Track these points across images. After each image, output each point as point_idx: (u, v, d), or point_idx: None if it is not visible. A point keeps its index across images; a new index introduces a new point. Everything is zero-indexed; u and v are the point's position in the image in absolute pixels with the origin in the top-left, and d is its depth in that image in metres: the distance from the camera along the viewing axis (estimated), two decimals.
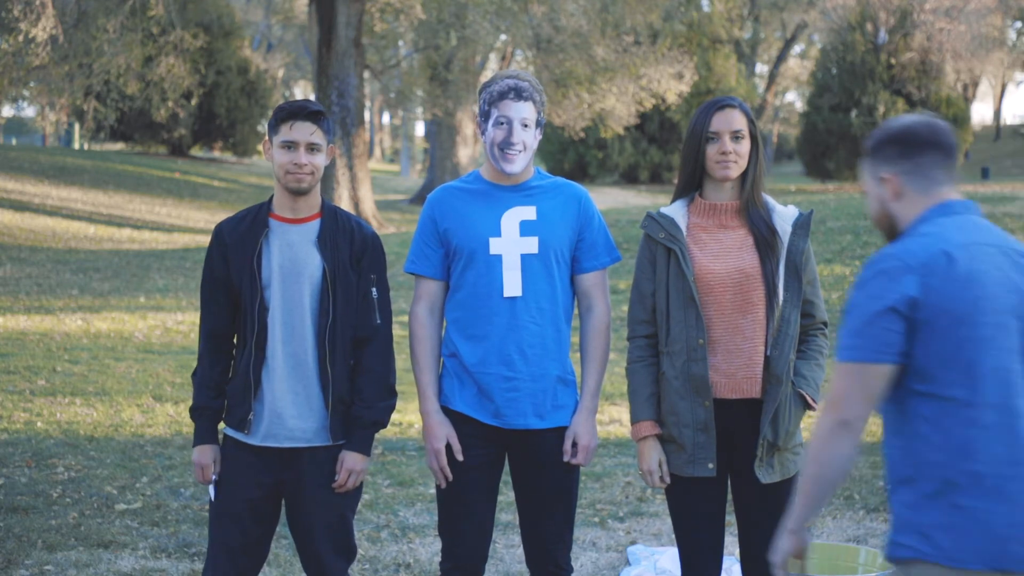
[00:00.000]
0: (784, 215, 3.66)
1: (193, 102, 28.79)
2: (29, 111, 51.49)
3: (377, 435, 3.81)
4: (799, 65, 53.27)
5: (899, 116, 2.80)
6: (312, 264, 3.67)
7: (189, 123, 35.49)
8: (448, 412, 3.75)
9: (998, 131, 59.47)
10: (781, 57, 47.79)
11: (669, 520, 4.73)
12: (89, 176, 29.29)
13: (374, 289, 3.73)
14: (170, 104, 22.80)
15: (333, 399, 3.67)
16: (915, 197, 2.66)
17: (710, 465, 3.57)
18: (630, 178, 38.03)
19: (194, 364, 3.81)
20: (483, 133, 3.75)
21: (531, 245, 3.71)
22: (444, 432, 3.71)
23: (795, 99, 61.48)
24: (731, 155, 3.59)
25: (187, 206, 27.36)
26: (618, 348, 9.02)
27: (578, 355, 3.87)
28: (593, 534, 5.77)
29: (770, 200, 3.68)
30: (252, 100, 36.82)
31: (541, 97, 3.76)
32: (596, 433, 3.78)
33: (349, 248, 3.70)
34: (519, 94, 3.68)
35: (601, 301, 3.80)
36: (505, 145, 3.68)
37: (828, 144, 33.45)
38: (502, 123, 3.69)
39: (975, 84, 49.06)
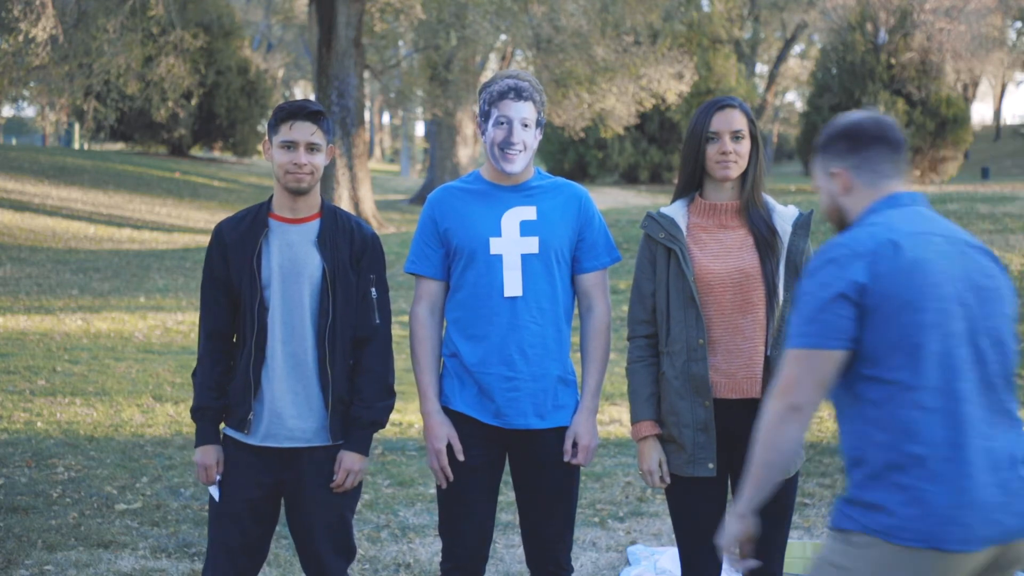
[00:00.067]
0: (784, 215, 3.66)
1: (193, 102, 28.77)
2: (29, 111, 51.54)
3: (377, 435, 3.82)
4: (799, 65, 53.27)
5: (848, 112, 2.87)
6: (312, 264, 3.67)
7: (189, 123, 35.49)
8: (448, 412, 3.75)
9: (998, 131, 59.48)
10: (781, 57, 47.79)
11: (669, 520, 4.73)
12: (89, 176, 29.29)
13: (373, 289, 3.73)
14: (170, 104, 22.80)
15: (333, 399, 3.67)
16: (864, 190, 2.74)
17: (710, 465, 3.57)
18: (630, 178, 38.04)
19: (194, 364, 3.81)
20: (483, 133, 3.75)
21: (531, 245, 3.71)
22: (445, 432, 3.71)
23: (795, 99, 61.49)
24: (731, 155, 3.59)
25: (187, 206, 27.36)
26: (618, 348, 9.01)
27: (578, 355, 3.88)
28: (593, 534, 5.77)
29: (770, 200, 3.68)
30: (252, 100, 36.83)
31: (541, 97, 3.76)
32: (597, 433, 3.78)
33: (349, 248, 3.70)
34: (519, 94, 3.68)
35: (601, 301, 3.80)
36: (505, 145, 3.68)
37: None
38: (502, 123, 3.69)
39: (975, 84, 49.08)
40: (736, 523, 2.75)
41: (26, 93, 28.03)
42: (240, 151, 38.17)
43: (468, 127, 29.46)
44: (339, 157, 21.76)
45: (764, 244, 3.59)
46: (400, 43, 31.00)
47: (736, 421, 3.57)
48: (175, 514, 5.93)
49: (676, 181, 3.77)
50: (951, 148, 33.68)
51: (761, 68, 55.55)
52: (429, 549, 5.49)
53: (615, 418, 8.36)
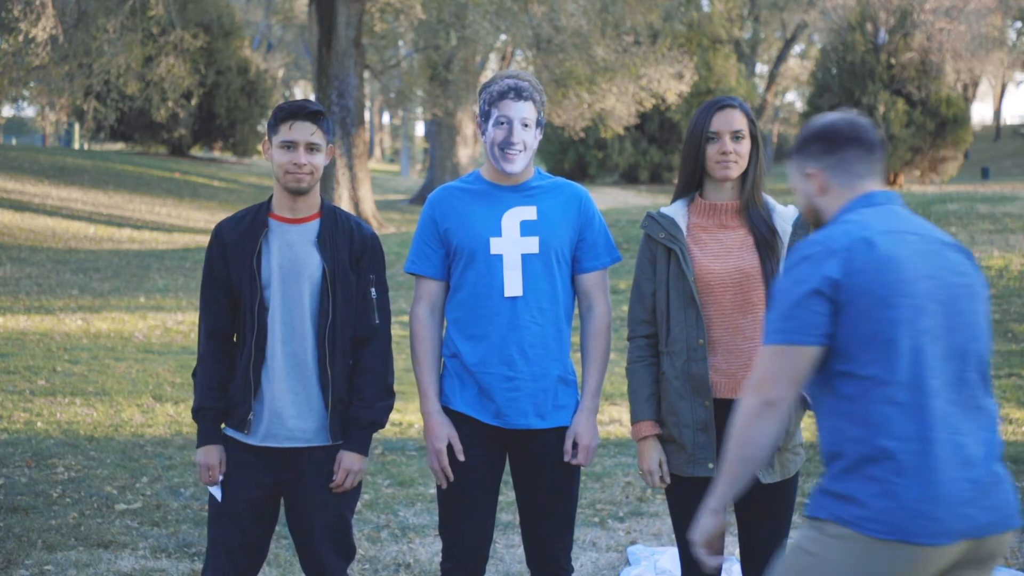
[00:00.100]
0: (784, 215, 3.66)
1: (193, 102, 28.78)
2: (29, 111, 51.55)
3: (377, 435, 3.82)
4: (799, 65, 53.27)
5: (823, 114, 2.90)
6: (312, 264, 3.67)
7: (189, 123, 35.49)
8: (449, 412, 3.75)
9: (998, 131, 59.50)
10: (781, 57, 47.79)
11: (669, 520, 4.73)
12: (89, 176, 29.29)
13: (373, 289, 3.73)
14: (170, 104, 22.80)
15: (333, 399, 3.67)
16: (839, 190, 2.78)
17: (710, 465, 3.57)
18: (630, 178, 38.03)
19: (194, 364, 3.81)
20: (483, 133, 3.75)
21: (532, 245, 3.71)
22: (445, 432, 3.71)
23: (795, 99, 61.48)
24: (731, 155, 3.59)
25: (187, 206, 27.36)
26: (618, 348, 9.01)
27: (578, 355, 3.87)
28: (593, 534, 5.76)
29: (770, 200, 3.68)
30: (252, 100, 36.82)
31: (541, 97, 3.76)
32: (597, 433, 3.78)
33: (348, 248, 3.70)
34: (519, 94, 3.68)
35: (601, 301, 3.80)
36: (505, 145, 3.68)
37: None
38: (502, 123, 3.69)
39: (975, 84, 49.08)
40: (709, 518, 2.78)
41: (26, 93, 28.03)
42: (240, 151, 38.18)
43: (468, 127, 29.46)
44: (339, 157, 21.76)
45: (764, 244, 3.59)
46: (400, 43, 31.00)
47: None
48: (175, 514, 5.93)
49: (676, 181, 3.77)
50: (951, 148, 33.69)
51: (761, 68, 55.56)
52: (429, 549, 5.49)
53: (615, 418, 8.36)
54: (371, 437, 3.75)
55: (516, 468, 3.80)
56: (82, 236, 21.10)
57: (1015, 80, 63.52)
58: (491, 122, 3.70)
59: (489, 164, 3.78)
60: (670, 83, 23.77)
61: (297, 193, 3.67)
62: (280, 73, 51.22)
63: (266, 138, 3.73)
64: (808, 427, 7.18)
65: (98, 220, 23.34)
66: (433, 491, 6.33)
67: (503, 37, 26.83)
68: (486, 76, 30.35)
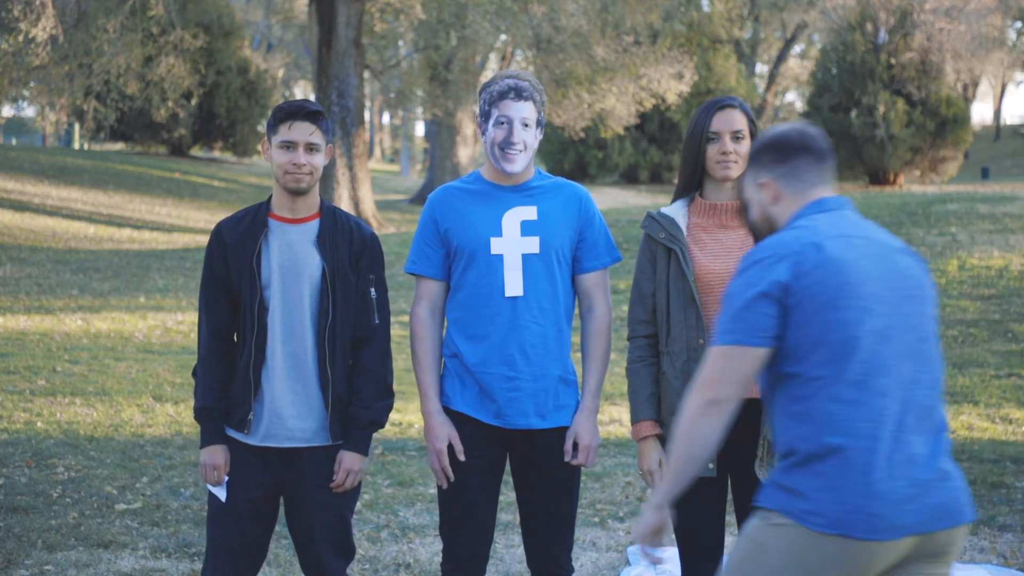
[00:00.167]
0: None
1: (193, 102, 28.80)
2: (29, 111, 51.56)
3: (377, 435, 3.82)
4: (799, 65, 53.25)
5: (775, 126, 2.98)
6: (312, 264, 3.67)
7: (189, 123, 35.48)
8: (449, 412, 3.75)
9: (998, 131, 59.50)
10: (781, 57, 47.78)
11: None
12: (89, 176, 29.29)
13: (373, 289, 3.73)
14: (170, 104, 22.80)
15: (333, 399, 3.67)
16: (791, 198, 2.85)
17: (710, 465, 3.57)
18: (630, 178, 38.03)
19: (194, 364, 3.81)
20: (483, 133, 3.75)
21: (532, 245, 3.70)
22: (446, 432, 3.71)
23: (795, 99, 61.45)
24: (731, 155, 3.59)
25: (187, 206, 27.36)
26: (618, 348, 9.02)
27: (579, 355, 3.87)
28: (593, 534, 5.76)
29: None
30: (252, 100, 36.81)
31: (541, 97, 3.76)
32: (598, 433, 3.77)
33: (348, 248, 3.70)
34: (519, 94, 3.68)
35: (602, 301, 3.80)
36: (506, 145, 3.68)
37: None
38: (502, 123, 3.68)
39: (975, 84, 49.08)
40: (653, 514, 2.82)
41: (26, 93, 28.04)
42: (240, 151, 38.17)
43: (468, 127, 29.46)
44: (339, 157, 21.77)
45: None
46: (400, 43, 31.01)
47: (736, 421, 3.56)
48: (175, 514, 5.93)
49: (676, 181, 3.77)
50: (951, 148, 33.68)
51: (761, 68, 55.55)
52: (429, 549, 5.49)
53: (615, 418, 8.36)
54: (371, 437, 3.75)
55: (516, 468, 3.80)
56: (82, 236, 21.10)
57: (1015, 80, 63.53)
58: (491, 122, 3.70)
59: (489, 164, 3.78)
60: (670, 83, 23.77)
61: (296, 193, 3.67)
62: (280, 73, 51.23)
63: (265, 138, 3.73)
64: None
65: (98, 220, 23.34)
66: (433, 491, 6.33)
67: (503, 37, 26.83)
68: (486, 76, 30.35)
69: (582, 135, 27.11)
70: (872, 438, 2.62)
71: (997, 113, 61.93)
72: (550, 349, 3.72)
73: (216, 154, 41.41)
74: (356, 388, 3.70)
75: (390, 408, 3.77)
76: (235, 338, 3.75)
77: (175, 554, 5.33)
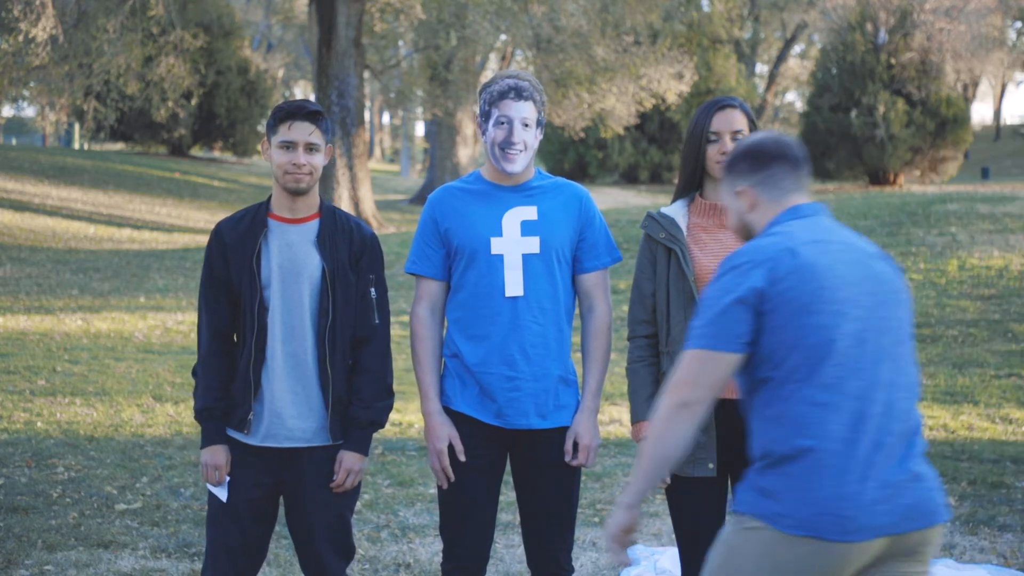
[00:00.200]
0: None
1: (193, 102, 28.79)
2: (29, 111, 51.57)
3: (377, 435, 3.82)
4: (799, 65, 53.25)
5: (751, 135, 3.04)
6: (312, 264, 3.67)
7: (189, 123, 35.48)
8: (449, 412, 3.75)
9: (998, 131, 59.50)
10: (781, 57, 47.78)
11: (669, 520, 4.73)
12: (89, 176, 29.29)
13: (373, 289, 3.73)
14: (170, 104, 22.80)
15: (333, 399, 3.67)
16: (768, 205, 2.89)
17: (710, 465, 3.57)
18: (630, 178, 38.03)
19: (193, 364, 3.81)
20: (484, 133, 3.75)
21: (532, 245, 3.70)
22: (446, 432, 3.71)
23: (795, 99, 61.47)
24: None
25: (187, 206, 27.36)
26: (618, 348, 9.02)
27: (579, 355, 3.87)
28: (593, 534, 5.76)
29: None
30: (252, 100, 36.81)
31: (541, 97, 3.76)
32: (598, 433, 3.77)
33: (348, 248, 3.70)
34: (519, 94, 3.68)
35: (602, 301, 3.80)
36: (506, 145, 3.68)
37: (828, 144, 33.43)
38: (503, 123, 3.68)
39: (975, 84, 49.09)
40: (623, 513, 2.86)
41: (26, 93, 28.04)
42: (240, 151, 38.17)
43: (468, 127, 29.46)
44: (339, 157, 21.77)
45: None
46: (400, 43, 31.01)
47: (736, 421, 3.57)
48: (175, 514, 5.93)
49: (676, 181, 3.77)
50: (951, 148, 33.67)
51: (761, 68, 55.55)
52: (429, 549, 5.49)
53: (615, 418, 8.36)
54: (371, 437, 3.75)
55: (517, 468, 3.80)
56: (82, 236, 21.10)
57: (1015, 80, 63.55)
58: (491, 122, 3.70)
59: (489, 164, 3.78)
60: (670, 83, 23.77)
61: (296, 193, 3.66)
62: (280, 73, 51.23)
63: (265, 138, 3.73)
64: None
65: (98, 220, 23.34)
66: (433, 491, 6.33)
67: (503, 37, 26.83)
68: (486, 76, 30.36)
69: (582, 135, 27.11)
70: (843, 440, 2.65)
71: (997, 113, 61.94)
72: (550, 349, 3.72)
73: (216, 154, 41.41)
74: (356, 388, 3.70)
75: (390, 408, 3.77)
76: (235, 338, 3.75)
77: (175, 554, 5.33)
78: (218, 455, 3.69)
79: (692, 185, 3.69)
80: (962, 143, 33.92)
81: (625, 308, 11.42)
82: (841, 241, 2.80)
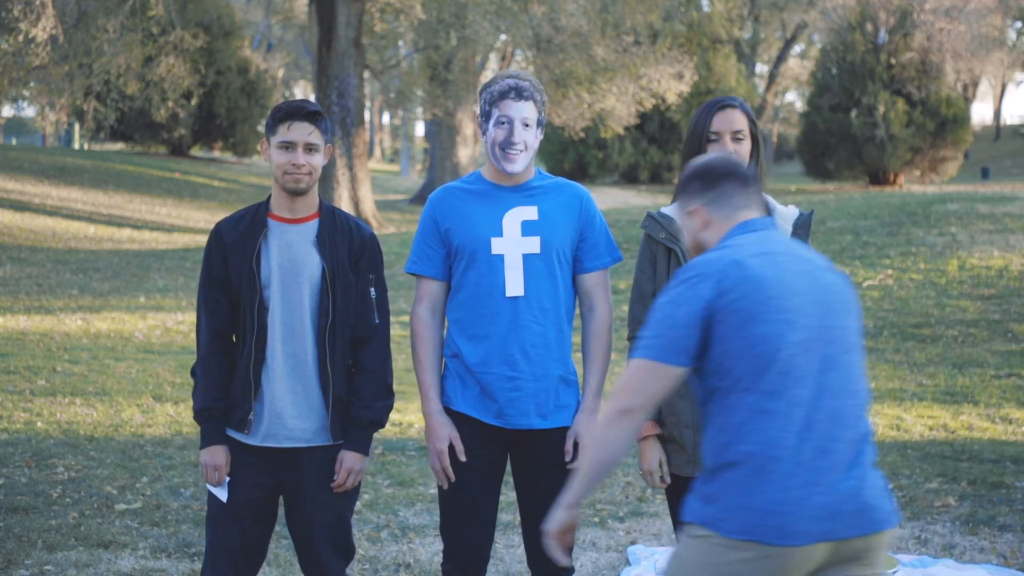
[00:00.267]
0: (785, 215, 3.66)
1: (193, 102, 28.79)
2: (29, 111, 51.59)
3: (377, 435, 3.82)
4: (799, 65, 53.27)
5: (698, 156, 3.13)
6: (311, 264, 3.66)
7: (189, 123, 35.49)
8: (450, 412, 3.75)
9: (998, 131, 59.51)
10: (781, 57, 47.79)
11: (669, 520, 4.73)
12: (89, 176, 29.29)
13: (373, 289, 3.73)
14: (170, 104, 22.81)
15: (333, 399, 3.67)
16: (720, 222, 2.94)
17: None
18: (630, 178, 38.04)
19: (193, 364, 3.81)
20: (484, 133, 3.74)
21: (533, 245, 3.70)
22: (447, 432, 3.71)
23: (795, 99, 61.51)
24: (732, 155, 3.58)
25: (187, 206, 27.37)
26: (618, 348, 9.01)
27: (579, 355, 3.87)
28: (593, 534, 5.76)
29: (771, 200, 3.67)
30: (252, 100, 36.83)
31: (542, 97, 3.76)
32: None
33: (348, 248, 3.70)
34: (520, 94, 3.68)
35: (603, 301, 3.80)
36: (506, 145, 3.68)
37: (828, 144, 33.46)
38: (503, 123, 3.68)
39: (975, 84, 49.09)
40: (564, 513, 2.90)
41: (26, 93, 28.05)
42: (240, 151, 38.19)
43: (468, 127, 29.46)
44: (339, 157, 21.78)
45: None
46: (400, 43, 31.01)
47: None
48: (175, 514, 5.92)
49: (676, 181, 3.77)
50: (951, 148, 33.68)
51: (761, 68, 55.57)
52: (429, 549, 5.49)
53: None
54: (371, 437, 3.75)
55: (517, 468, 3.80)
56: (82, 236, 21.10)
57: (1015, 80, 63.55)
58: (492, 122, 3.70)
59: (490, 164, 3.78)
60: (670, 83, 23.78)
61: (296, 193, 3.66)
62: (280, 73, 51.24)
63: (264, 138, 3.73)
64: None
65: (98, 220, 23.34)
66: (433, 491, 6.33)
67: (503, 37, 26.83)
68: (486, 76, 30.36)
69: (582, 135, 27.12)
70: (786, 447, 2.68)
71: (997, 113, 61.95)
72: (551, 349, 3.72)
73: (216, 154, 41.42)
74: (356, 388, 3.70)
75: (390, 408, 3.77)
76: (234, 338, 3.75)
77: (175, 554, 5.33)
78: (218, 455, 3.69)
79: None
80: (962, 143, 33.94)
81: (625, 308, 11.43)
82: (790, 253, 2.85)
